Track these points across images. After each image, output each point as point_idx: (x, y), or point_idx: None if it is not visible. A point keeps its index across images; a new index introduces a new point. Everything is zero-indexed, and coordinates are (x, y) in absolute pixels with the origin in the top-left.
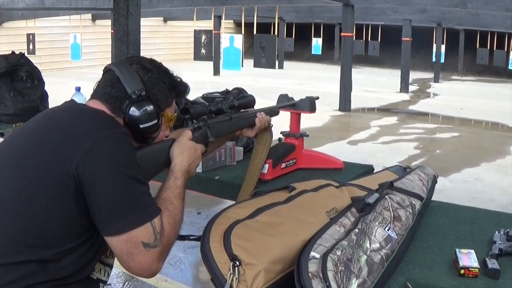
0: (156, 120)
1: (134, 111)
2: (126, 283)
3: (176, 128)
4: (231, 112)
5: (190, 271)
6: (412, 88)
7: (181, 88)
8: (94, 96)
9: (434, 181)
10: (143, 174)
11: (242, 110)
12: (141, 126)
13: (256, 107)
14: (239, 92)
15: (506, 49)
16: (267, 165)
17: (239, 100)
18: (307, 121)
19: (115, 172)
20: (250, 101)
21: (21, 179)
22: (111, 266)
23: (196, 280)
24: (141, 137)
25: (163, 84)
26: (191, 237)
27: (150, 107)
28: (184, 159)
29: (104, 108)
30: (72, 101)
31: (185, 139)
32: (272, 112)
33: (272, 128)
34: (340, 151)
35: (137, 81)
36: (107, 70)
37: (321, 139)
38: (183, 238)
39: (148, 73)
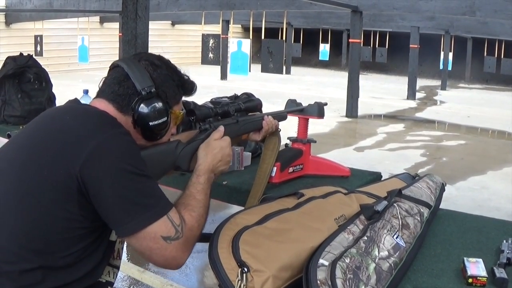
0: (166, 118)
1: (143, 108)
2: (131, 287)
3: (183, 125)
4: (237, 115)
5: (196, 276)
6: (419, 95)
7: (188, 86)
8: (100, 94)
9: (442, 189)
10: (149, 172)
11: (249, 114)
12: (150, 123)
13: (263, 112)
14: (248, 97)
15: None
16: (275, 168)
17: (245, 103)
18: (314, 126)
19: (121, 172)
20: (257, 104)
21: (23, 182)
22: (118, 268)
23: (202, 285)
24: (150, 135)
25: (172, 81)
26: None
27: (159, 104)
28: (208, 160)
29: (110, 107)
30: (75, 100)
31: (211, 140)
32: (279, 116)
33: (280, 132)
34: (346, 157)
35: (146, 77)
36: (114, 67)
37: (327, 145)
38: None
39: (157, 70)
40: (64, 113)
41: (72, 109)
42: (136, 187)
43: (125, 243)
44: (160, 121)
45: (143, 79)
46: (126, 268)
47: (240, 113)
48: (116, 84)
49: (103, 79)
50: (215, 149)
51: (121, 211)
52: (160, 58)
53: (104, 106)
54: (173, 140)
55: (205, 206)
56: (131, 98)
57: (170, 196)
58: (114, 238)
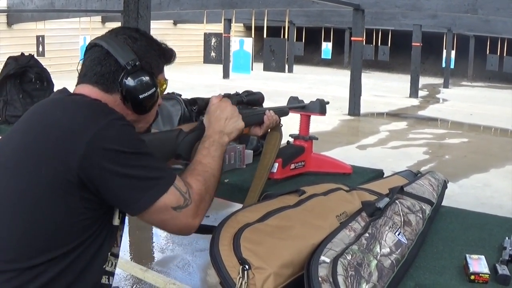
0: (154, 88)
1: (131, 82)
2: (134, 286)
3: (185, 122)
4: (239, 108)
5: (198, 274)
6: (421, 93)
7: (168, 53)
8: (82, 80)
9: (445, 187)
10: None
11: (252, 108)
12: (140, 96)
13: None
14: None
15: None
16: (276, 164)
17: (247, 96)
18: (316, 125)
19: (121, 157)
20: (258, 98)
21: (21, 181)
22: (117, 256)
23: (204, 283)
24: (141, 108)
25: (153, 51)
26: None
27: (146, 76)
28: (212, 124)
29: (96, 90)
30: (63, 90)
31: (210, 106)
32: (281, 111)
33: (282, 129)
34: (349, 155)
35: (128, 51)
36: (91, 47)
37: (330, 143)
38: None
39: (137, 42)
40: (54, 107)
41: (61, 102)
42: (138, 165)
43: (123, 231)
44: (149, 92)
45: (125, 53)
46: (129, 267)
47: (242, 106)
48: (98, 64)
49: (80, 62)
50: (216, 111)
51: (129, 192)
52: (137, 30)
53: (89, 90)
54: (175, 128)
55: (212, 169)
56: (116, 75)
57: None
58: (117, 222)
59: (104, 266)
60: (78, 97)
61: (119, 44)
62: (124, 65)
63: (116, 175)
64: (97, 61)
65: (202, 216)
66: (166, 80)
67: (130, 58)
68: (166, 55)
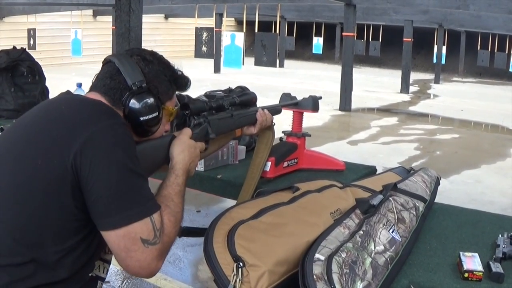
0: (157, 113)
1: (134, 103)
2: (125, 281)
3: (179, 127)
4: (232, 109)
5: (190, 270)
6: (412, 89)
7: (182, 81)
8: (93, 88)
9: (437, 183)
10: (142, 169)
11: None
12: (141, 118)
13: (257, 105)
14: (242, 90)
15: (507, 51)
16: (269, 163)
17: (240, 97)
18: (307, 120)
19: (113, 163)
20: (251, 98)
21: (18, 174)
22: (109, 263)
23: (196, 279)
24: (141, 130)
25: (164, 77)
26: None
27: (150, 99)
28: (186, 157)
29: (103, 100)
30: (68, 92)
31: (185, 137)
32: (274, 110)
33: (274, 126)
34: (340, 151)
35: (137, 72)
36: (106, 62)
37: (321, 139)
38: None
39: (149, 65)
40: (59, 103)
41: (67, 99)
42: (127, 182)
43: None
44: (151, 116)
45: (134, 74)
46: None
47: (235, 107)
48: (108, 78)
49: (96, 75)
50: (191, 147)
51: (107, 204)
52: (152, 53)
53: (97, 98)
54: (167, 135)
55: (182, 210)
56: (123, 93)
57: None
58: None
59: (94, 271)
60: (84, 97)
61: (130, 64)
62: (130, 85)
63: (101, 183)
64: (109, 75)
65: (163, 260)
66: (175, 107)
67: (137, 79)
68: (179, 82)
